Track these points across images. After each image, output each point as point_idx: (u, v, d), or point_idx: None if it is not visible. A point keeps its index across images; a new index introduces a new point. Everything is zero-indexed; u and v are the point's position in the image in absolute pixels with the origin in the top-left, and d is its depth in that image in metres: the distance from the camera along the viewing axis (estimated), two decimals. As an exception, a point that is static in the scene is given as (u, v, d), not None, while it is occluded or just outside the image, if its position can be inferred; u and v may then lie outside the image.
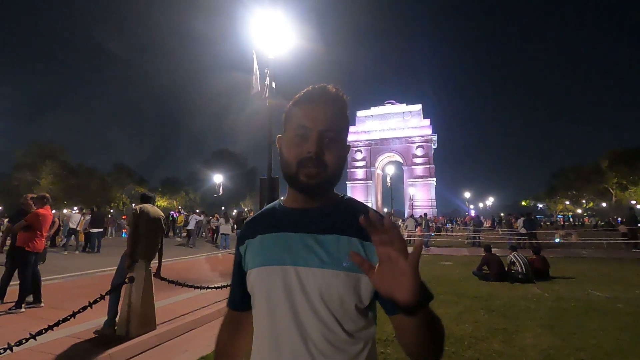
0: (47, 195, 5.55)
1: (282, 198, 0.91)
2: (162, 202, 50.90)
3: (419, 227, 17.92)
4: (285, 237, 0.79)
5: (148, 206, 4.24)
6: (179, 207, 50.06)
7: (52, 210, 5.72)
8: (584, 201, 53.15)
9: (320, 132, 0.77)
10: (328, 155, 0.78)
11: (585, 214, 56.02)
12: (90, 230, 12.79)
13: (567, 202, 55.94)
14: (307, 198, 0.82)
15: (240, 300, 0.88)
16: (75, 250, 13.02)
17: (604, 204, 49.22)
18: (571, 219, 55.54)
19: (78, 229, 13.31)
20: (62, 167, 38.89)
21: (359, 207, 0.83)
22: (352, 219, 0.78)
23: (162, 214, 4.40)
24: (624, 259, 11.21)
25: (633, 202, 45.08)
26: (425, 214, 21.09)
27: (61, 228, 13.40)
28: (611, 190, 42.69)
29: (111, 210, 41.37)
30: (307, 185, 0.78)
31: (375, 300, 0.77)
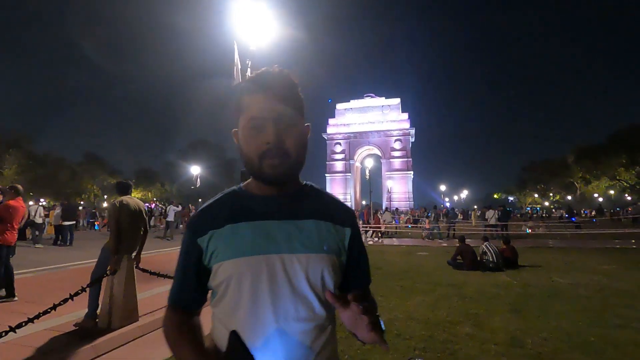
0: (19, 186, 5.34)
1: (241, 184, 0.87)
2: (136, 193, 49.42)
3: (427, 220, 17.46)
4: (265, 226, 0.77)
5: (127, 198, 4.17)
6: (154, 199, 48.78)
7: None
8: (551, 194, 55.94)
9: (275, 120, 0.75)
10: (288, 142, 0.76)
11: (552, 207, 58.97)
12: (63, 223, 12.34)
13: (536, 195, 58.71)
14: (275, 187, 0.80)
15: (194, 298, 0.83)
16: (36, 243, 11.86)
17: (569, 197, 51.95)
18: (539, 211, 58.28)
19: (37, 220, 12.50)
20: (28, 157, 36.92)
21: (325, 194, 0.89)
22: (323, 205, 0.84)
23: (142, 205, 4.35)
24: (585, 248, 11.99)
25: (595, 195, 47.84)
26: (435, 206, 19.75)
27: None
28: (576, 184, 45.09)
29: (81, 202, 39.83)
30: (273, 176, 0.76)
31: None
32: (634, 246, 12.26)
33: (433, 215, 17.27)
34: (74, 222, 13.17)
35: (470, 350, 3.42)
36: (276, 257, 0.75)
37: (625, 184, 38.40)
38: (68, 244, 12.22)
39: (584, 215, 36.77)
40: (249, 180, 0.86)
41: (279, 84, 0.78)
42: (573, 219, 21.29)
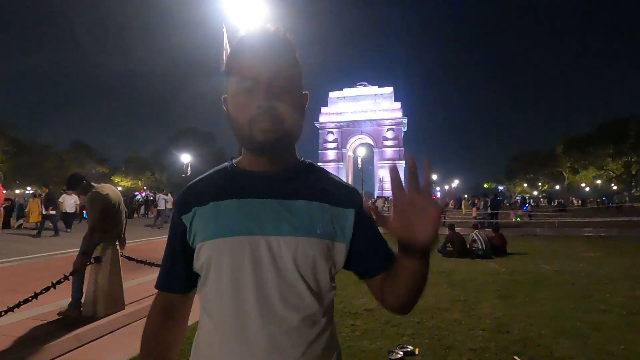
0: None
1: (233, 159, 0.80)
2: (125, 182, 48.75)
3: (474, 208, 16.16)
4: (251, 204, 0.70)
5: (106, 187, 4.00)
6: (144, 187, 48.24)
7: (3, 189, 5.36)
8: (539, 184, 56.87)
9: (269, 81, 0.67)
10: (282, 106, 0.67)
11: (540, 196, 60.02)
12: (49, 212, 12.03)
13: (525, 185, 59.63)
14: (268, 160, 0.72)
15: (181, 280, 0.77)
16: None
17: (557, 187, 52.91)
18: (528, 200, 59.27)
19: None
20: (12, 144, 36.04)
21: (325, 173, 0.80)
22: (322, 185, 0.75)
23: (119, 193, 4.20)
24: (572, 236, 12.23)
25: (583, 184, 48.79)
26: (485, 194, 17.61)
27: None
28: (564, 174, 45.86)
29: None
30: (265, 143, 0.67)
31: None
32: (617, 234, 12.55)
33: (482, 202, 15.64)
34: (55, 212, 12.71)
35: (457, 336, 3.45)
36: (261, 238, 0.68)
37: (612, 174, 39.18)
38: (54, 234, 11.81)
39: (569, 205, 37.57)
40: (241, 156, 0.79)
41: (275, 44, 0.69)
42: (524, 207, 22.85)
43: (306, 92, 0.76)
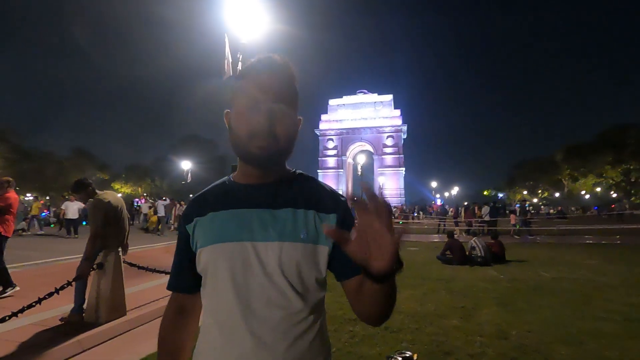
0: (10, 179, 5.24)
1: (231, 175, 0.91)
2: (126, 189, 48.79)
3: (512, 215, 16.00)
4: (241, 214, 0.80)
5: (108, 194, 4.04)
6: (144, 194, 48.25)
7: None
8: (539, 191, 56.86)
9: (271, 103, 0.77)
10: (279, 127, 0.77)
11: (540, 204, 59.93)
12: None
13: (525, 192, 59.60)
14: (260, 173, 0.82)
15: (189, 281, 0.87)
16: None
17: (557, 194, 52.89)
18: (528, 208, 59.10)
19: None
20: (13, 151, 36.15)
21: (313, 181, 0.88)
22: (307, 193, 0.83)
23: (121, 199, 4.25)
24: (571, 244, 12.23)
25: (582, 192, 48.78)
26: (524, 200, 18.71)
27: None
28: (564, 181, 45.89)
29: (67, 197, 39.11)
30: (259, 157, 0.78)
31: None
32: (617, 242, 12.55)
33: (518, 211, 16.12)
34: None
35: (456, 342, 3.48)
36: (249, 244, 0.77)
37: (611, 181, 39.21)
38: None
39: (569, 212, 37.63)
40: (237, 170, 0.89)
41: (281, 71, 0.80)
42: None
43: (300, 117, 0.85)
